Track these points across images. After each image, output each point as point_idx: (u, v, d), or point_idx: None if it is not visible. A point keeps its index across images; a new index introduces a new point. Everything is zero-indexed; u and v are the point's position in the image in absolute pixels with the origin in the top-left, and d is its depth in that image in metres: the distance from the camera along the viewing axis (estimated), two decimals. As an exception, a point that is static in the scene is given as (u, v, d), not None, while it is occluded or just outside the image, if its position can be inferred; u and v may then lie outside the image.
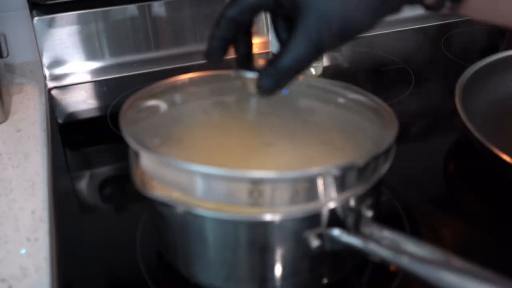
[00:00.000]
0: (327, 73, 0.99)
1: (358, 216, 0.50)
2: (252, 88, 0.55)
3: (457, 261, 0.43)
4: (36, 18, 0.96)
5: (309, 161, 0.53)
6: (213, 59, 0.54)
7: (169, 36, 1.05)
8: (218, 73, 0.63)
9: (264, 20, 1.09)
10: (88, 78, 1.02)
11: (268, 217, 0.47)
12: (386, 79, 0.96)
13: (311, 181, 0.46)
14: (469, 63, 0.84)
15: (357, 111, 0.60)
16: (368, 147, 0.54)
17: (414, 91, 0.95)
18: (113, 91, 0.98)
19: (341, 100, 0.62)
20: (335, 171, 0.46)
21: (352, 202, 0.49)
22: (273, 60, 0.50)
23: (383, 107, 0.58)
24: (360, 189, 0.49)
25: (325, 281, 0.54)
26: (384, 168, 0.52)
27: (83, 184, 0.76)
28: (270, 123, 0.59)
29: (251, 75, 0.54)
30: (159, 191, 0.54)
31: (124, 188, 0.74)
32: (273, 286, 0.52)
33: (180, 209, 0.49)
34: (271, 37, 0.95)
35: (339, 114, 0.61)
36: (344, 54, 1.07)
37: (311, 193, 0.47)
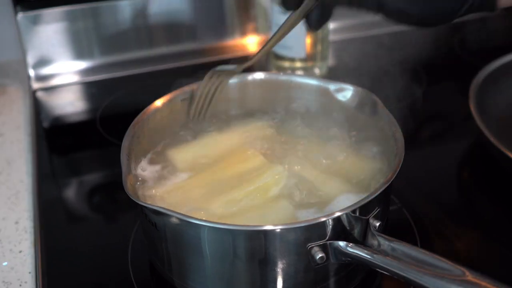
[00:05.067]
0: (332, 73, 1.00)
1: (365, 227, 0.50)
2: None
3: (472, 275, 0.43)
4: (20, 14, 0.97)
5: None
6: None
7: (163, 34, 1.06)
8: None
9: (264, 18, 1.09)
10: (76, 78, 1.02)
11: (268, 227, 0.47)
12: (396, 80, 0.96)
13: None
14: (484, 64, 0.85)
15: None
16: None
17: (426, 93, 0.95)
18: (102, 93, 0.99)
19: None
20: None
21: (358, 212, 0.49)
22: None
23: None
24: (367, 197, 0.49)
25: (329, 296, 0.55)
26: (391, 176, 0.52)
27: (70, 192, 0.77)
28: None
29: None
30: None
31: (114, 196, 0.74)
32: (274, 302, 0.52)
33: (174, 219, 0.49)
34: (271, 35, 0.95)
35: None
36: (353, 54, 1.08)
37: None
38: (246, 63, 0.67)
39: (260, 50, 0.66)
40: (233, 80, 0.69)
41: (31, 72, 1.01)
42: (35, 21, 0.98)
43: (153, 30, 1.05)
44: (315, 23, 0.62)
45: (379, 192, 0.50)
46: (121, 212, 0.71)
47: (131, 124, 0.60)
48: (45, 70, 1.02)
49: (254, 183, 0.58)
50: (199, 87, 0.67)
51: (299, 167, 0.62)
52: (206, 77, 0.67)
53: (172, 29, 1.06)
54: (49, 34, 1.00)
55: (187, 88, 0.67)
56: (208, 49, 1.07)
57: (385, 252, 0.49)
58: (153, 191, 0.59)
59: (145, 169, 0.62)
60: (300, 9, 0.60)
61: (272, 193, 0.58)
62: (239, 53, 1.08)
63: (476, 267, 0.44)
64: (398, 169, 0.52)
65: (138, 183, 0.59)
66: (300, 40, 0.92)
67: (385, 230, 0.52)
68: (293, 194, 0.58)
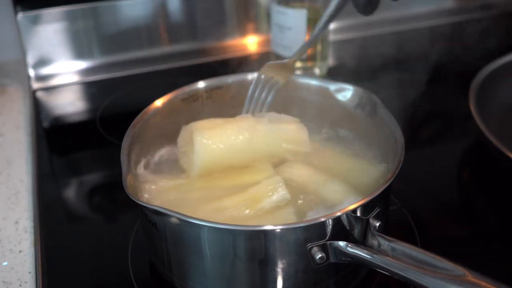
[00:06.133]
0: (332, 73, 1.00)
1: (365, 227, 0.50)
2: None
3: (472, 275, 0.43)
4: (20, 14, 0.97)
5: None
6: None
7: (163, 34, 1.06)
8: None
9: (265, 18, 1.09)
10: (76, 78, 1.02)
11: (268, 227, 0.47)
12: (396, 79, 0.96)
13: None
14: (484, 64, 0.85)
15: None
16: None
17: (426, 93, 0.95)
18: (102, 93, 0.99)
19: None
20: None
21: (358, 212, 0.49)
22: None
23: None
24: (367, 198, 0.49)
25: (329, 296, 0.55)
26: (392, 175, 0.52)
27: (70, 192, 0.77)
28: None
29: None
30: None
31: (114, 196, 0.74)
32: (274, 302, 0.52)
33: (174, 219, 0.49)
34: (272, 35, 0.95)
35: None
36: (353, 54, 1.08)
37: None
38: (298, 53, 0.67)
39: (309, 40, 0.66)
40: (232, 80, 0.69)
41: (31, 72, 1.01)
42: (35, 21, 0.98)
43: (153, 30, 1.05)
44: (362, 8, 0.60)
45: (379, 192, 0.50)
46: (121, 212, 0.71)
47: (131, 124, 0.60)
48: (45, 70, 1.02)
49: (245, 194, 0.56)
50: (252, 87, 0.66)
51: (299, 169, 0.62)
52: (261, 75, 0.66)
53: (172, 29, 1.06)
54: (49, 34, 1.00)
55: (187, 88, 0.67)
56: (208, 49, 1.07)
57: (385, 252, 0.49)
58: (152, 186, 0.59)
59: (145, 169, 0.62)
60: None
61: (262, 205, 0.56)
62: (239, 53, 1.08)
63: (476, 267, 0.44)
64: (398, 169, 0.52)
65: (138, 183, 0.59)
66: (300, 40, 0.92)
67: (385, 230, 0.52)
68: (294, 199, 0.58)
